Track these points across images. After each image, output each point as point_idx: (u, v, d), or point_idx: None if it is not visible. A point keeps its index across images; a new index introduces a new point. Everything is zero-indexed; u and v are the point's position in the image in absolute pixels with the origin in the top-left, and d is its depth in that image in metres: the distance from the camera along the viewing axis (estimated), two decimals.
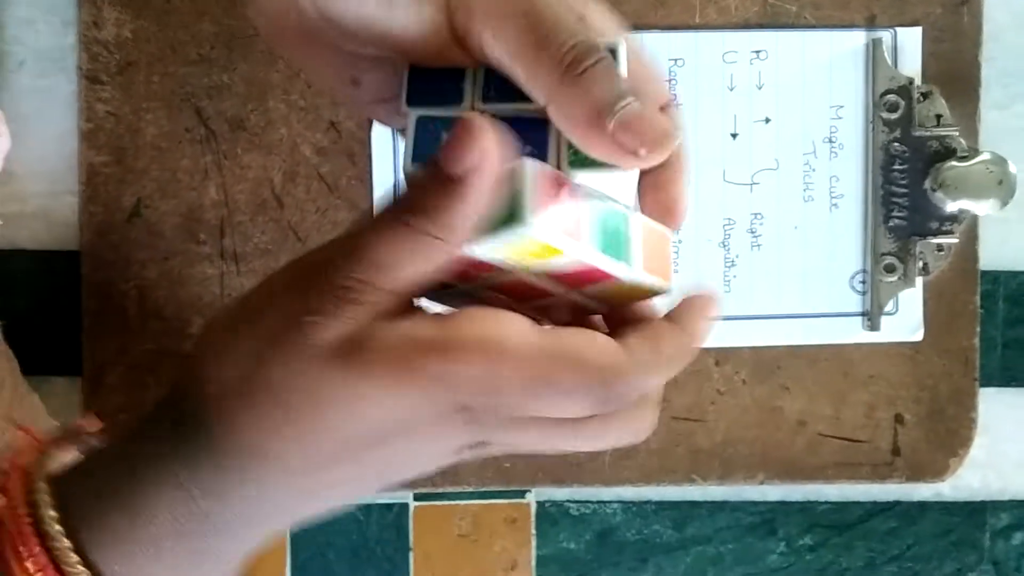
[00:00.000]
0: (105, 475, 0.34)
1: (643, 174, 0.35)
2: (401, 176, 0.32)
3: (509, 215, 0.30)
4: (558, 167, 0.32)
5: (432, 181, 0.30)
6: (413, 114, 0.33)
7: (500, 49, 0.31)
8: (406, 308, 0.31)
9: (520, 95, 0.32)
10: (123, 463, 0.33)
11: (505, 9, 0.31)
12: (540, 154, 0.32)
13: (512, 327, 0.31)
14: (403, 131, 0.34)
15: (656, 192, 0.35)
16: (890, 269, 0.50)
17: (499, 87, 0.32)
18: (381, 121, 0.39)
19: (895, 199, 0.50)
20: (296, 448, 0.32)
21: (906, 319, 0.50)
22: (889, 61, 0.49)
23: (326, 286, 0.30)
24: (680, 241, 0.50)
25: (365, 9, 0.33)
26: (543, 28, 0.31)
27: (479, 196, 0.30)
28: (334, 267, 0.30)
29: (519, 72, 0.32)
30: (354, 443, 0.32)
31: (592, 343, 0.31)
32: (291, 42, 0.35)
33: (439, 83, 0.33)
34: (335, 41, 0.34)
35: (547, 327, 0.32)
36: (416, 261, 0.30)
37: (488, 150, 0.29)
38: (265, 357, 0.31)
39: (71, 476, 0.34)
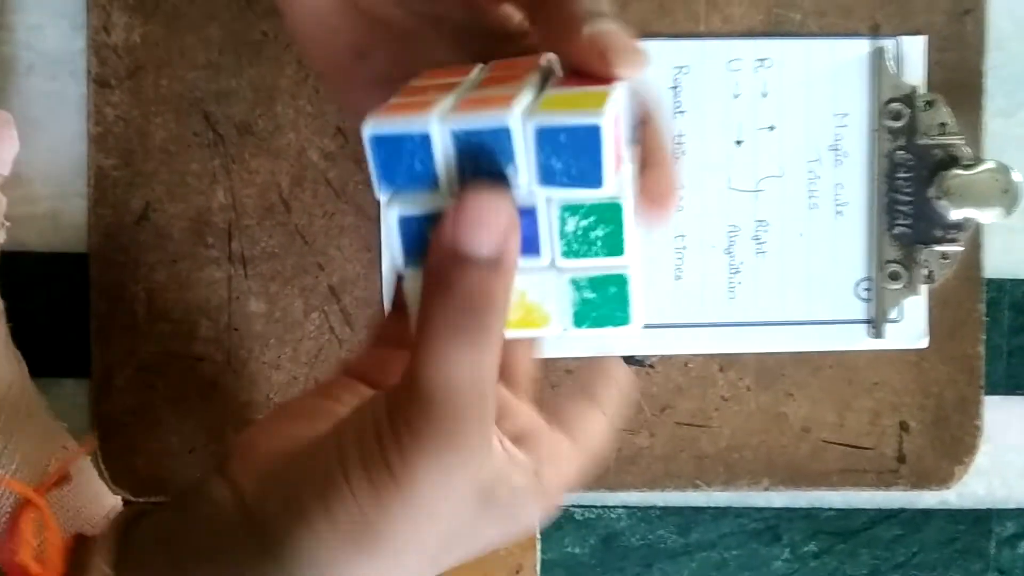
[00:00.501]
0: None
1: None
2: (395, 278, 0.31)
3: None
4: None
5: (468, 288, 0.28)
6: (393, 214, 0.30)
7: None
8: None
9: (492, 174, 0.29)
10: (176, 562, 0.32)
11: None
12: (536, 247, 0.30)
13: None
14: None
15: (646, 184, 0.33)
16: (895, 277, 0.50)
17: (471, 163, 0.29)
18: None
19: (899, 207, 0.50)
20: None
21: (911, 327, 0.50)
22: (893, 70, 0.49)
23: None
24: (685, 248, 0.50)
25: None
26: None
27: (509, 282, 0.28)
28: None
29: None
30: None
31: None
32: (303, 6, 0.34)
33: (409, 161, 0.29)
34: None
35: None
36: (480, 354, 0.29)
37: (504, 214, 0.28)
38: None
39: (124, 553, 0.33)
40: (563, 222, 0.29)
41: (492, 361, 0.28)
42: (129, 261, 0.49)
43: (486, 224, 0.27)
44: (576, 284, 0.30)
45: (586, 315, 0.30)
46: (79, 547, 0.37)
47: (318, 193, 0.50)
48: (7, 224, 0.48)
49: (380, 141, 0.29)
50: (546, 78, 0.32)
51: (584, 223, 0.29)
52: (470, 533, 0.32)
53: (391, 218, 0.30)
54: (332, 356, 0.50)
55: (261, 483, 0.31)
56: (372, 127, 0.29)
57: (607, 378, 0.34)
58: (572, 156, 0.28)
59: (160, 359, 0.49)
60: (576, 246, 0.30)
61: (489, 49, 0.33)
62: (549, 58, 0.32)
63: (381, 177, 0.29)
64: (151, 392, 0.49)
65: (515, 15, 0.33)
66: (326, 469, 0.30)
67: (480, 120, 0.28)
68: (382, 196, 0.30)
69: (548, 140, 0.28)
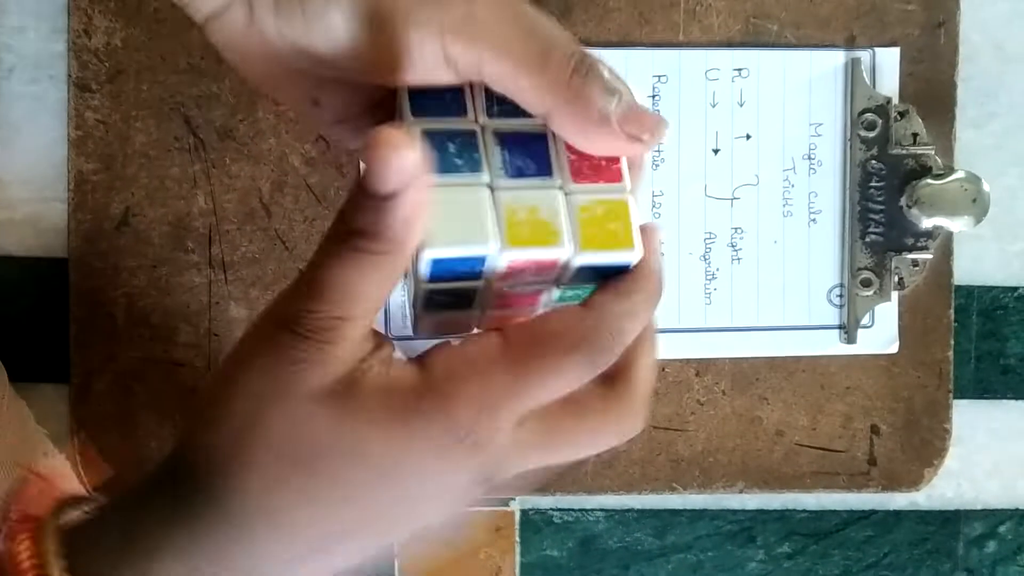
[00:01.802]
0: (110, 541, 0.33)
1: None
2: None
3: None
4: (563, 179, 0.33)
5: (367, 200, 0.30)
6: (417, 128, 0.33)
7: (500, 69, 0.32)
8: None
9: (520, 110, 0.33)
10: (127, 530, 0.33)
11: (508, 30, 0.32)
12: (543, 168, 0.33)
13: (480, 342, 0.33)
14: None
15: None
16: (866, 283, 0.51)
17: (500, 103, 0.33)
18: (340, 142, 0.39)
19: (872, 215, 0.51)
20: (302, 499, 0.32)
21: (882, 332, 0.51)
22: (867, 80, 0.50)
23: (303, 332, 0.31)
24: (662, 254, 0.51)
25: (338, 39, 0.33)
26: (544, 44, 0.32)
27: (416, 206, 0.31)
28: (306, 312, 0.31)
29: (521, 88, 0.33)
30: (360, 487, 0.32)
31: (553, 315, 0.33)
32: (252, 65, 0.36)
33: (439, 98, 0.33)
34: (294, 63, 0.35)
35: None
36: (377, 282, 0.31)
37: (409, 166, 0.30)
38: (259, 415, 0.31)
39: (78, 537, 0.34)
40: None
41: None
42: (109, 266, 0.49)
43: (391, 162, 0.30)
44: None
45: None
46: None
47: (299, 199, 0.50)
48: None
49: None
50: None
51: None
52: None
53: (414, 132, 0.33)
54: None
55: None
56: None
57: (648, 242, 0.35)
58: None
59: (140, 364, 0.49)
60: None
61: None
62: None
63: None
64: (131, 397, 0.49)
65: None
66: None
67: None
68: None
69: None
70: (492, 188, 0.33)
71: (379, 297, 0.32)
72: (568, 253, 0.32)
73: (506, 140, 0.33)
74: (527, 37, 0.32)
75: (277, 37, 0.34)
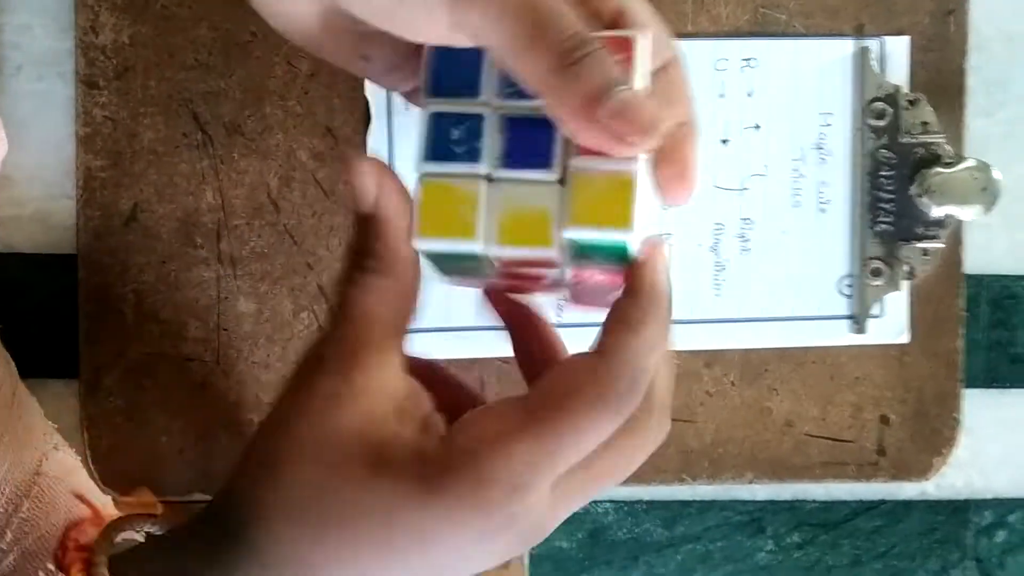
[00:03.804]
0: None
1: None
2: (415, 173, 0.33)
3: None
4: (564, 166, 0.32)
5: (358, 221, 0.33)
6: (427, 110, 0.33)
7: (497, 40, 0.31)
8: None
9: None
10: (172, 569, 0.34)
11: (501, 5, 0.31)
12: (545, 158, 0.32)
13: (501, 411, 0.32)
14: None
15: (668, 159, 0.35)
16: (876, 273, 0.50)
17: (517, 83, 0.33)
18: (394, 88, 0.39)
19: (882, 205, 0.50)
20: (338, 558, 0.32)
21: (892, 322, 0.51)
22: (877, 69, 0.50)
23: (328, 362, 0.33)
24: (671, 245, 0.51)
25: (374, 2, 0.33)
26: (539, 19, 0.31)
27: (396, 223, 0.33)
28: (328, 342, 0.33)
29: (514, 64, 0.31)
30: (395, 553, 0.32)
31: (569, 369, 0.32)
32: (297, 29, 0.36)
33: (458, 68, 0.33)
34: (338, 24, 0.34)
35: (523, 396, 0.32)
36: (386, 303, 0.33)
37: (379, 184, 0.32)
38: (296, 462, 0.32)
39: (128, 565, 0.36)
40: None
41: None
42: (117, 262, 0.49)
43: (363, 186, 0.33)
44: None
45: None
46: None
47: (307, 193, 0.50)
48: None
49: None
50: None
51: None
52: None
53: (425, 114, 0.33)
54: None
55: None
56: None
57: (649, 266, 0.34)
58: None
59: (149, 360, 0.50)
60: None
61: None
62: None
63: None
64: (140, 393, 0.50)
65: None
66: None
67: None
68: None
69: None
70: (490, 178, 0.32)
71: (394, 321, 0.33)
72: (558, 253, 0.32)
73: (512, 125, 0.33)
74: (523, 6, 0.31)
75: (322, 2, 0.34)
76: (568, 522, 0.51)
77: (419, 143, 0.33)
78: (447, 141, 0.32)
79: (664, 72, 0.36)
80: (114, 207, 0.49)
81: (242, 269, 0.50)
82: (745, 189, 0.51)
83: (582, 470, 0.32)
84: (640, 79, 0.32)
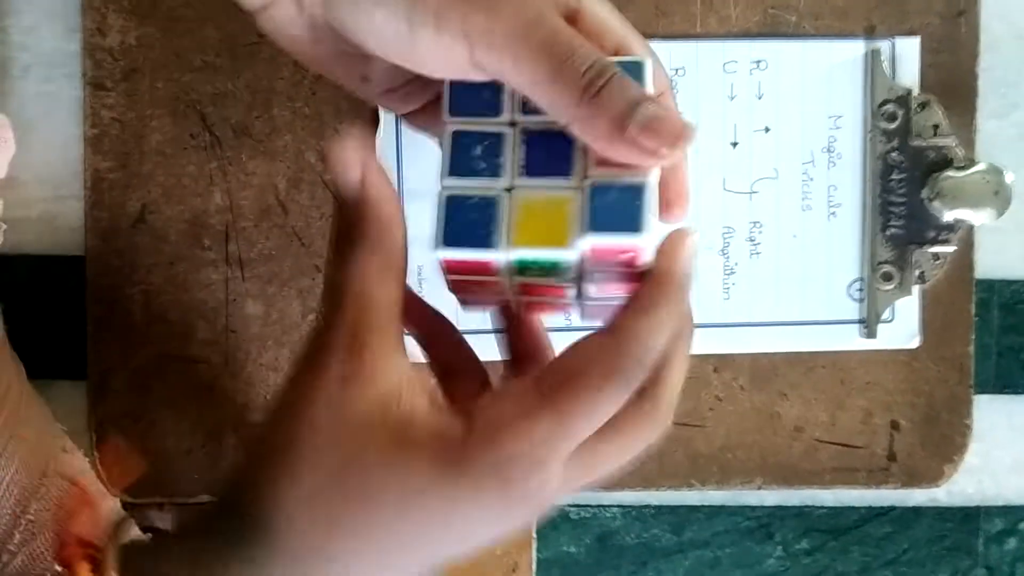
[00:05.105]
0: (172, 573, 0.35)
1: None
2: (438, 188, 0.33)
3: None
4: (584, 178, 0.33)
5: (342, 200, 0.33)
6: (450, 127, 0.34)
7: (520, 79, 0.33)
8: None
9: None
10: (188, 563, 0.34)
11: (522, 42, 0.32)
12: (564, 167, 0.33)
13: (515, 391, 0.33)
14: (436, 138, 0.36)
15: (664, 184, 0.37)
16: (887, 277, 0.50)
17: None
18: (391, 109, 0.40)
19: (892, 208, 0.50)
20: (357, 540, 0.33)
21: (903, 327, 0.51)
22: (887, 71, 0.50)
23: (335, 346, 0.33)
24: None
25: (385, 37, 0.34)
26: (559, 56, 0.32)
27: (385, 205, 0.33)
28: (331, 326, 0.33)
29: (540, 99, 0.33)
30: (414, 533, 0.33)
31: (579, 349, 0.33)
32: (300, 49, 0.37)
33: (479, 92, 0.34)
34: (342, 47, 0.36)
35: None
36: (379, 282, 0.33)
37: (359, 156, 0.33)
38: (314, 447, 0.33)
39: (143, 559, 0.36)
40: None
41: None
42: (125, 264, 0.49)
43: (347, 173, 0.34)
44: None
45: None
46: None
47: (315, 195, 0.50)
48: (3, 227, 0.48)
49: None
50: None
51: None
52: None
53: (447, 131, 0.34)
54: None
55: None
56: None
57: (672, 249, 0.35)
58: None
59: (157, 361, 0.50)
60: None
61: None
62: None
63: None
64: (148, 394, 0.50)
65: None
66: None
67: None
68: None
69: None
70: (511, 189, 0.33)
71: (392, 300, 0.33)
72: (574, 255, 0.32)
73: (533, 138, 0.34)
74: (542, 47, 0.32)
75: (325, 28, 0.35)
76: (576, 527, 0.52)
77: (442, 160, 0.34)
78: (469, 158, 0.33)
79: (661, 99, 0.37)
80: (122, 208, 0.49)
81: (250, 271, 0.50)
82: (755, 192, 0.51)
83: (589, 450, 0.33)
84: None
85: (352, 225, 0.33)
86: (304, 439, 0.33)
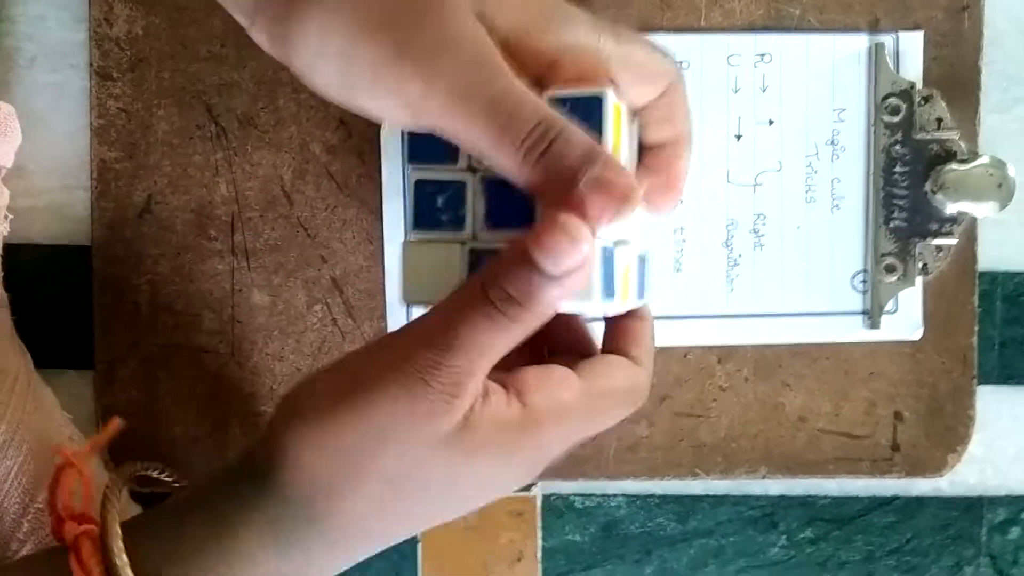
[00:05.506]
0: (184, 552, 0.35)
1: (646, 153, 0.39)
2: (403, 239, 0.34)
3: None
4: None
5: (528, 273, 0.32)
6: (412, 176, 0.35)
7: (463, 141, 0.33)
8: None
9: None
10: (208, 538, 0.35)
11: (460, 107, 0.32)
12: (526, 216, 0.34)
13: (568, 383, 0.35)
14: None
15: (657, 171, 0.39)
16: (890, 269, 0.50)
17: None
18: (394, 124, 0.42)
19: (896, 201, 0.50)
20: (398, 520, 0.35)
21: (906, 318, 0.51)
22: (891, 65, 0.50)
23: (435, 385, 0.33)
24: (684, 241, 0.51)
25: (330, 90, 0.35)
26: (499, 120, 0.32)
27: (570, 288, 0.33)
28: (440, 366, 0.33)
29: (486, 161, 0.33)
30: (449, 507, 0.36)
31: (620, 373, 0.37)
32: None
33: (435, 139, 0.34)
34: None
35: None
36: (508, 343, 0.33)
37: (582, 256, 0.32)
38: (380, 452, 0.33)
39: (143, 542, 0.35)
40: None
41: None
42: (132, 254, 0.49)
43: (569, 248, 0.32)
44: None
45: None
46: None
47: (320, 186, 0.50)
48: (10, 217, 0.48)
49: None
50: None
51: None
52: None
53: (409, 181, 0.35)
54: (335, 348, 0.50)
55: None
56: None
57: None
58: None
59: (164, 351, 0.50)
60: None
61: None
62: None
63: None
64: (155, 384, 0.50)
65: None
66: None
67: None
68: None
69: None
70: (475, 240, 0.34)
71: (503, 354, 0.34)
72: None
73: (493, 188, 0.34)
74: (482, 111, 0.32)
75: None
76: (581, 516, 0.52)
77: (406, 210, 0.34)
78: (432, 209, 0.34)
79: (665, 95, 0.38)
80: (128, 199, 0.49)
81: (256, 261, 0.50)
82: (758, 185, 0.51)
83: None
84: (610, 137, 0.34)
85: (523, 289, 0.32)
86: (372, 445, 0.33)
